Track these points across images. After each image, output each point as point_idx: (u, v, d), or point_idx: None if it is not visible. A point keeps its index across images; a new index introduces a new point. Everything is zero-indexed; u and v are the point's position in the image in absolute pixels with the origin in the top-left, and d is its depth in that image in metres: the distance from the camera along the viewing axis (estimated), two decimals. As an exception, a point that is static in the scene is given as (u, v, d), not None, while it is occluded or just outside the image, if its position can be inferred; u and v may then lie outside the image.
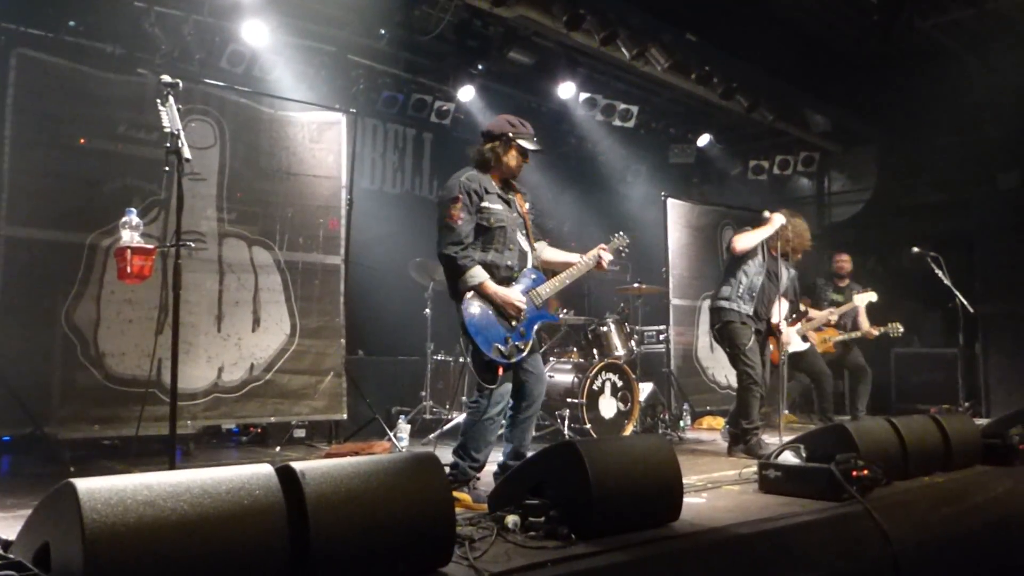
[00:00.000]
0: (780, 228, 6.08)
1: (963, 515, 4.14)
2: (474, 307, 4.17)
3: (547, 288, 4.42)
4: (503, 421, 4.34)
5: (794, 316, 7.20)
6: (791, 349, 7.18)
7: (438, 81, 9.01)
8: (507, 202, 4.37)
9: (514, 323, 4.22)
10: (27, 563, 2.04)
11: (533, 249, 4.48)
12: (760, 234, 6.10)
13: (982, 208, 9.03)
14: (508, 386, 4.27)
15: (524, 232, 4.44)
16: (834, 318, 7.70)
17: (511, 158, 4.38)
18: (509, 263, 4.30)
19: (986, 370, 8.67)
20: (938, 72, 9.12)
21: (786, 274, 6.40)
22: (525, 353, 4.25)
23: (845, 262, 8.30)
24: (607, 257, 4.62)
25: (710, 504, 3.84)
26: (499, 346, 4.16)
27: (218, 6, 7.03)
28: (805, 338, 7.52)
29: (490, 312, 4.19)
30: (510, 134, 4.35)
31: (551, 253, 4.69)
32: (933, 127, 9.79)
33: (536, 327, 4.35)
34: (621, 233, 4.89)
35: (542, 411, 6.80)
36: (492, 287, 4.17)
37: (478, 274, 4.17)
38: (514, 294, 4.23)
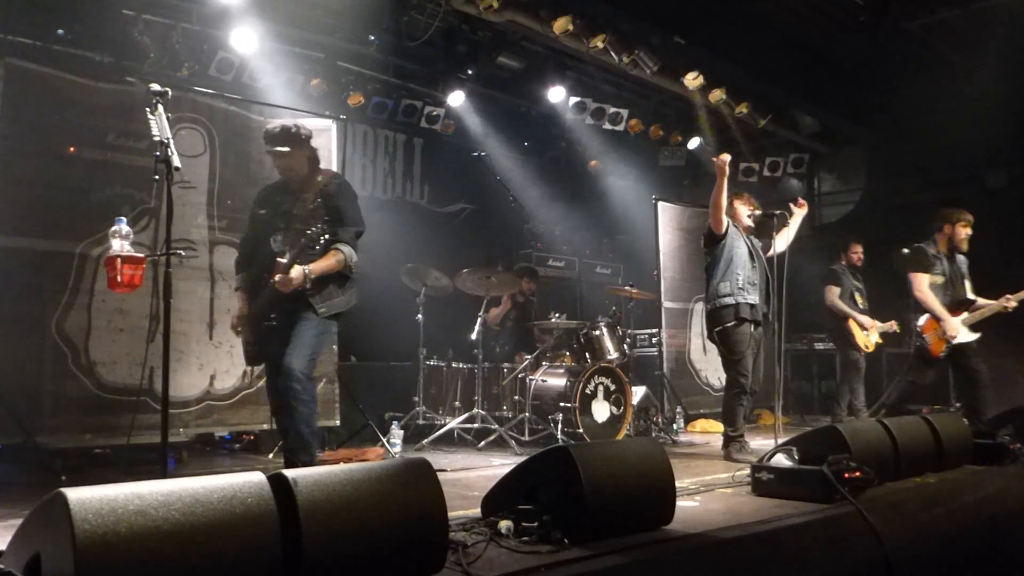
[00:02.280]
0: (729, 167, 5.99)
1: (954, 515, 4.16)
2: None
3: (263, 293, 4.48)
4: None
5: (960, 304, 6.59)
6: (958, 340, 6.47)
7: (428, 86, 9.01)
8: (276, 205, 4.56)
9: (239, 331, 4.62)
10: (17, 573, 2.04)
11: (288, 248, 4.28)
12: (721, 187, 5.96)
13: (970, 208, 9.06)
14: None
15: (290, 232, 4.41)
16: (1012, 304, 6.64)
17: (274, 166, 4.62)
18: (261, 262, 4.48)
19: (977, 370, 8.67)
20: (925, 72, 9.17)
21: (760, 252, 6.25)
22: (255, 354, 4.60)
23: (858, 254, 8.45)
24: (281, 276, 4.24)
25: (703, 507, 3.84)
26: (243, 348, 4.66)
27: (206, 14, 7.02)
28: (975, 328, 6.64)
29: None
30: (265, 145, 4.55)
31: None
32: (921, 127, 9.82)
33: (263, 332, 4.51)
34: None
35: (535, 415, 6.86)
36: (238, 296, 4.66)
37: (236, 282, 4.69)
38: (239, 315, 4.59)
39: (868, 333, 8.15)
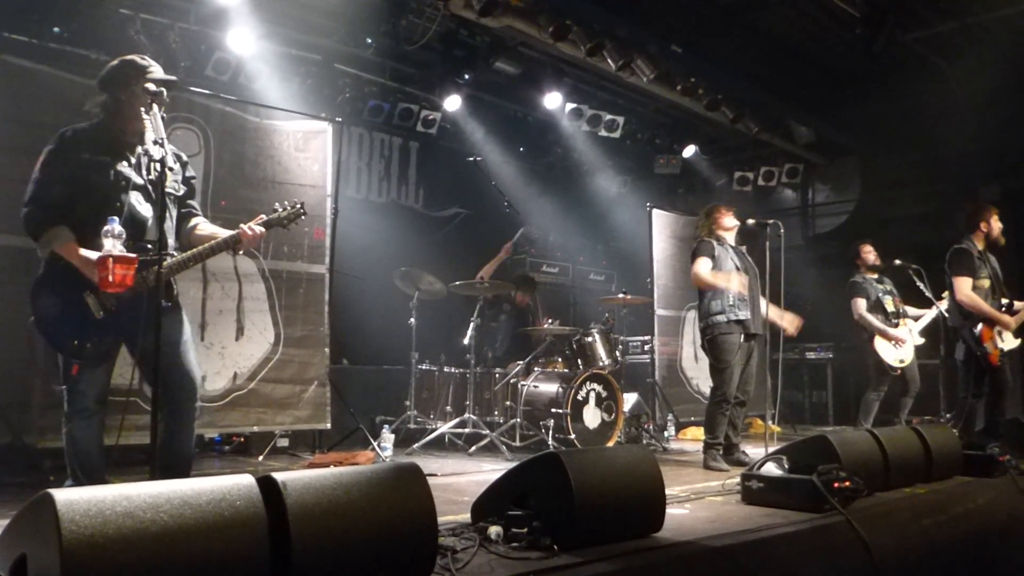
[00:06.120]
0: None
1: (943, 526, 4.16)
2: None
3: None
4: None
5: (1003, 307, 6.25)
6: (1007, 347, 6.18)
7: (424, 90, 9.02)
8: (126, 158, 3.69)
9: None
10: (3, 573, 2.02)
11: (160, 219, 3.37)
12: (703, 266, 6.03)
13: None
14: (86, 384, 3.83)
15: (151, 197, 3.60)
16: None
17: (132, 101, 3.66)
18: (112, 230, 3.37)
19: (968, 382, 8.67)
20: (921, 85, 9.22)
21: None
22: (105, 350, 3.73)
23: (871, 252, 7.53)
24: (256, 229, 3.77)
25: (693, 515, 3.84)
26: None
27: (204, 14, 7.02)
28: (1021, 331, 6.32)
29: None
30: (132, 74, 3.66)
31: (208, 229, 3.97)
32: (916, 139, 9.88)
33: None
34: (297, 204, 3.96)
35: (526, 421, 6.85)
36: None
37: (60, 235, 3.54)
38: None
39: (898, 346, 7.19)
